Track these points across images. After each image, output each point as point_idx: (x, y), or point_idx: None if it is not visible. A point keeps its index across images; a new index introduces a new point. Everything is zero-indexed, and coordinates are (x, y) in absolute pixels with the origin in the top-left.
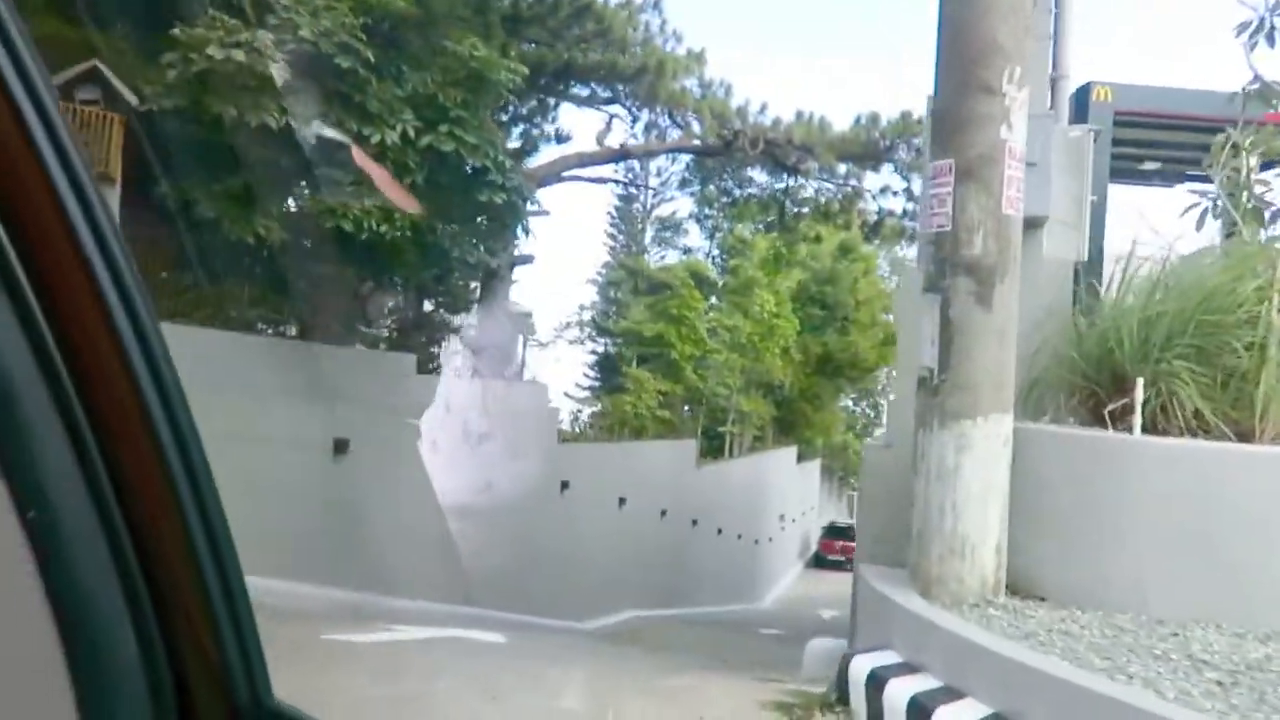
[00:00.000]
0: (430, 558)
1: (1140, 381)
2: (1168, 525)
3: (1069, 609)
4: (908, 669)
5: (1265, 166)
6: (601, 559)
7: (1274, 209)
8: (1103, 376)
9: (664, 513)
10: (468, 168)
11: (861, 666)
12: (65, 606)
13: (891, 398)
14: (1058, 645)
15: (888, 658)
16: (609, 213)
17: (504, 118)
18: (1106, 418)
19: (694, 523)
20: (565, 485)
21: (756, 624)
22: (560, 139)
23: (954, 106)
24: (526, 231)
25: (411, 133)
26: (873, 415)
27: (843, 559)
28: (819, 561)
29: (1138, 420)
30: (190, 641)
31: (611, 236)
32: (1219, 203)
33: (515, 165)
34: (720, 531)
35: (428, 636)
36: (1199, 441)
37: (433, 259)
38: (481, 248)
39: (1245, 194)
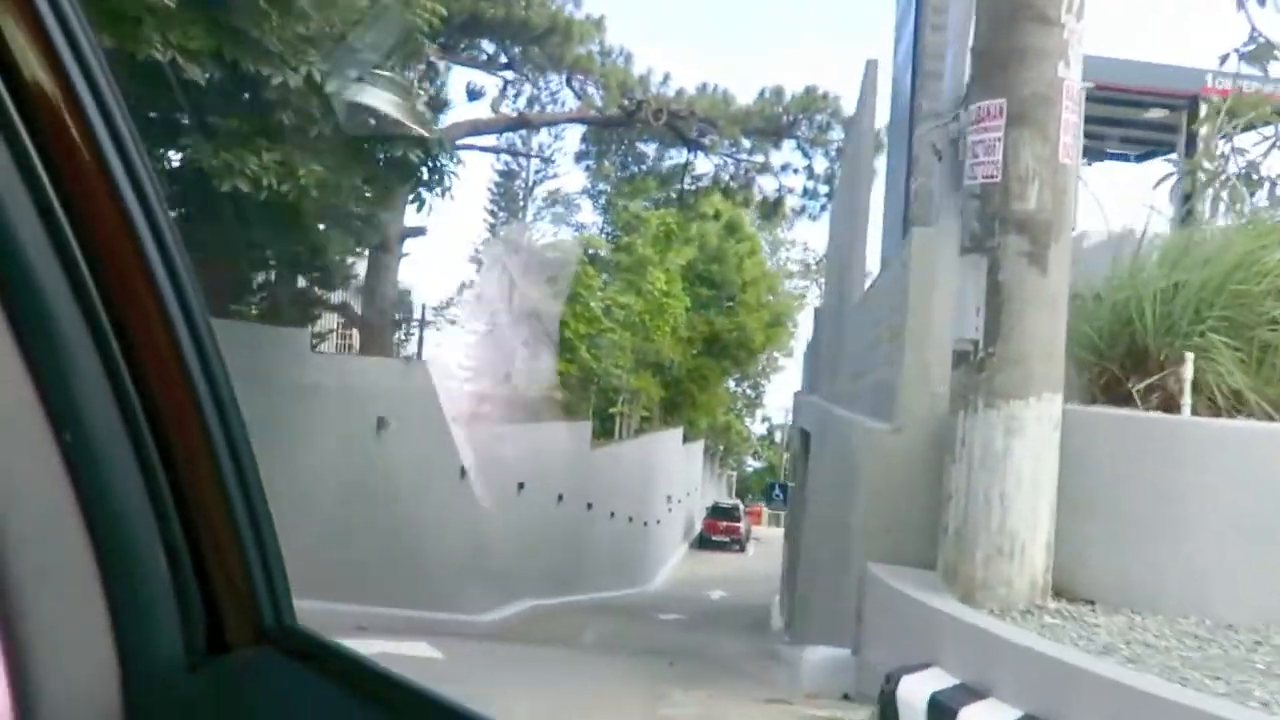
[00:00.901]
0: (329, 551)
1: (1190, 357)
2: (1230, 516)
3: (1126, 613)
4: (972, 694)
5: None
6: (500, 547)
7: (1271, 178)
8: (1117, 352)
9: (561, 497)
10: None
11: (915, 690)
12: (99, 526)
13: (904, 374)
14: (1152, 662)
15: (941, 678)
16: (490, 186)
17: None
18: (1135, 397)
19: (589, 506)
20: (464, 471)
21: (653, 609)
22: (474, 95)
23: (1002, 40)
24: (445, 194)
25: (318, 76)
26: (753, 396)
27: (727, 539)
28: (703, 542)
29: (1187, 399)
30: (219, 565)
31: (492, 213)
32: (1201, 175)
33: (434, 117)
34: (613, 515)
35: None
36: (1262, 423)
37: (336, 222)
38: (383, 212)
39: (1228, 163)
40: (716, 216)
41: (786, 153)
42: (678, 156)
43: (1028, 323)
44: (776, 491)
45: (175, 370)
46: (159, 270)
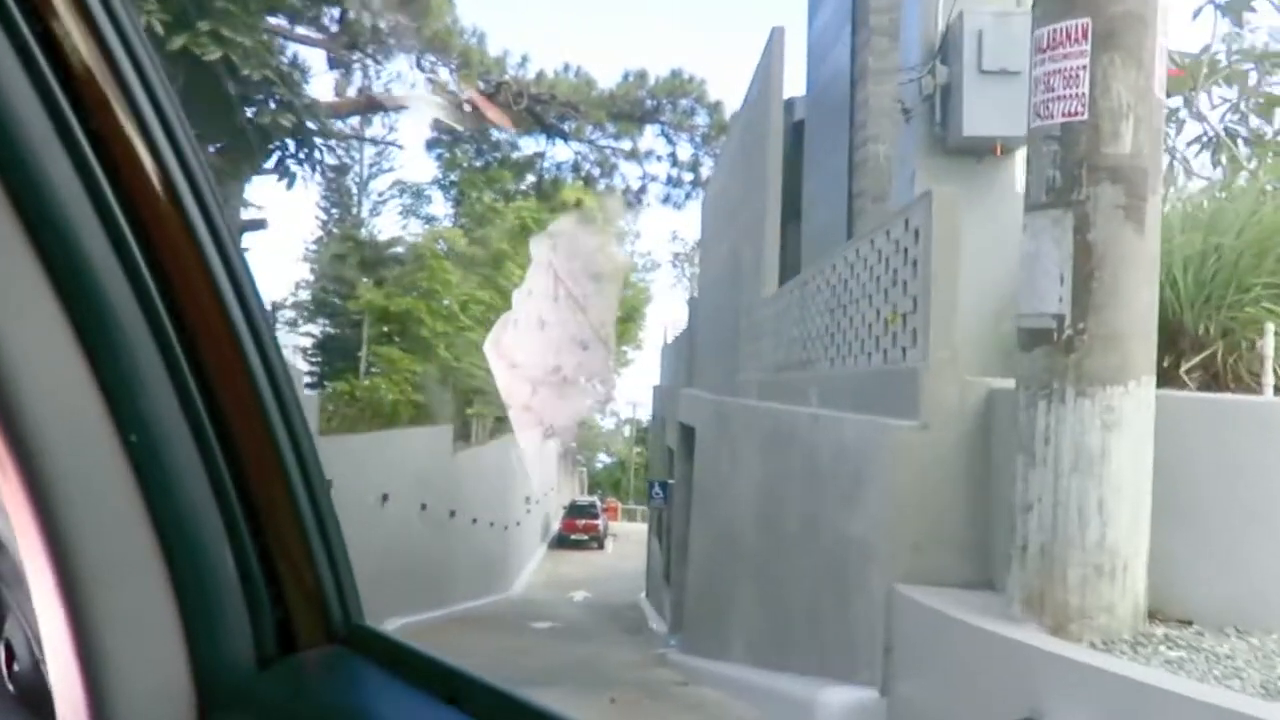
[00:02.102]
0: None
1: (1270, 328)
2: None
3: (1247, 636)
4: None
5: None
6: (365, 564)
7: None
8: None
9: (424, 506)
10: (239, 80)
11: None
12: (167, 528)
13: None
14: None
15: None
16: (326, 177)
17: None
18: (1184, 378)
19: (451, 514)
20: (330, 484)
21: (523, 617)
22: (335, 64)
23: None
24: (315, 168)
25: (159, 29)
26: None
27: (586, 537)
28: (562, 541)
29: (1270, 377)
30: (287, 566)
31: (326, 210)
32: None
33: (304, 78)
34: (475, 521)
35: None
36: None
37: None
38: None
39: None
40: (579, 205)
41: (650, 139)
42: (535, 144)
43: (1125, 291)
44: (656, 490)
45: (239, 372)
46: (220, 272)
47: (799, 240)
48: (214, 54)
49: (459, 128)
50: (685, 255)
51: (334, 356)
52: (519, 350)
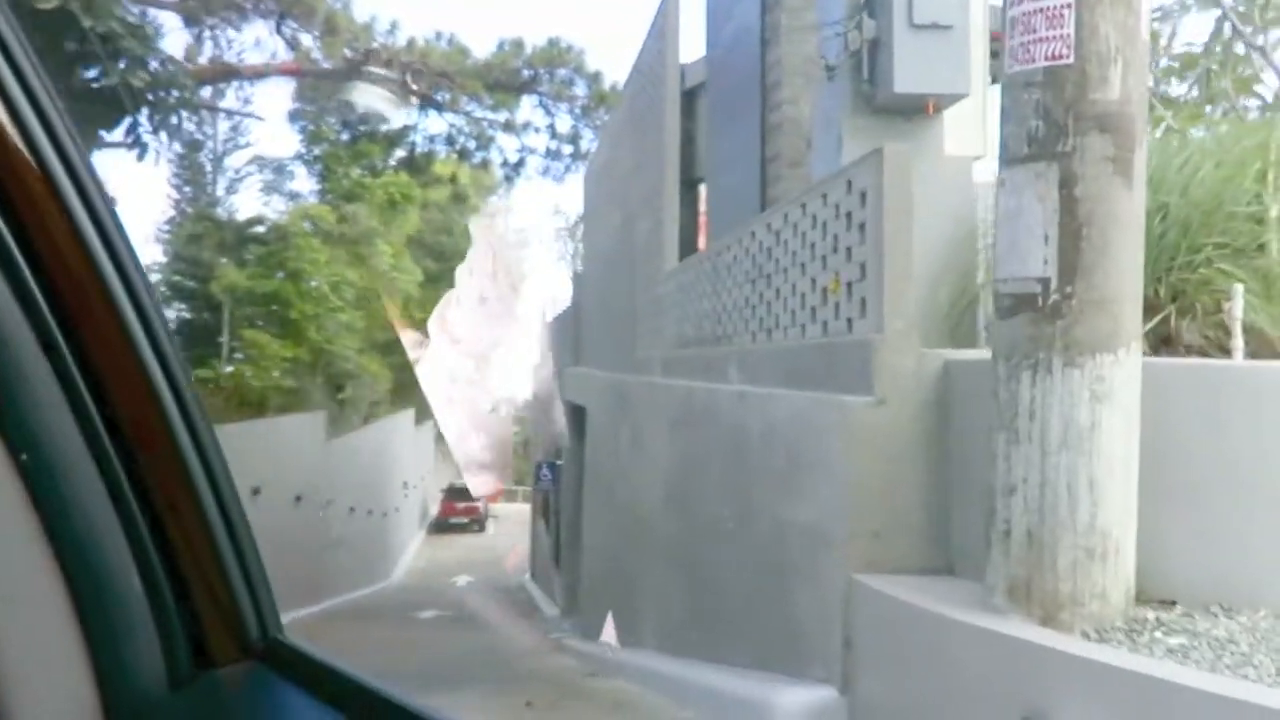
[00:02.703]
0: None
1: (1239, 289)
2: None
3: (1227, 614)
4: None
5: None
6: None
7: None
8: None
9: (299, 498)
10: (80, 34)
11: None
12: (66, 549)
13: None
14: None
15: None
16: (184, 147)
17: None
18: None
19: (328, 503)
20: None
21: (408, 606)
22: (192, 23)
23: None
24: (173, 137)
25: None
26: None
27: (466, 520)
28: (440, 525)
29: (1239, 340)
30: (199, 580)
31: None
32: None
33: (158, 34)
34: (352, 510)
35: None
36: None
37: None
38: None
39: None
40: (454, 179)
41: (528, 110)
42: (405, 116)
43: (1114, 251)
44: (545, 471)
45: (137, 382)
46: (113, 279)
47: (694, 211)
48: (49, 2)
49: (392, 114)
50: (568, 230)
51: (193, 343)
52: (461, 327)
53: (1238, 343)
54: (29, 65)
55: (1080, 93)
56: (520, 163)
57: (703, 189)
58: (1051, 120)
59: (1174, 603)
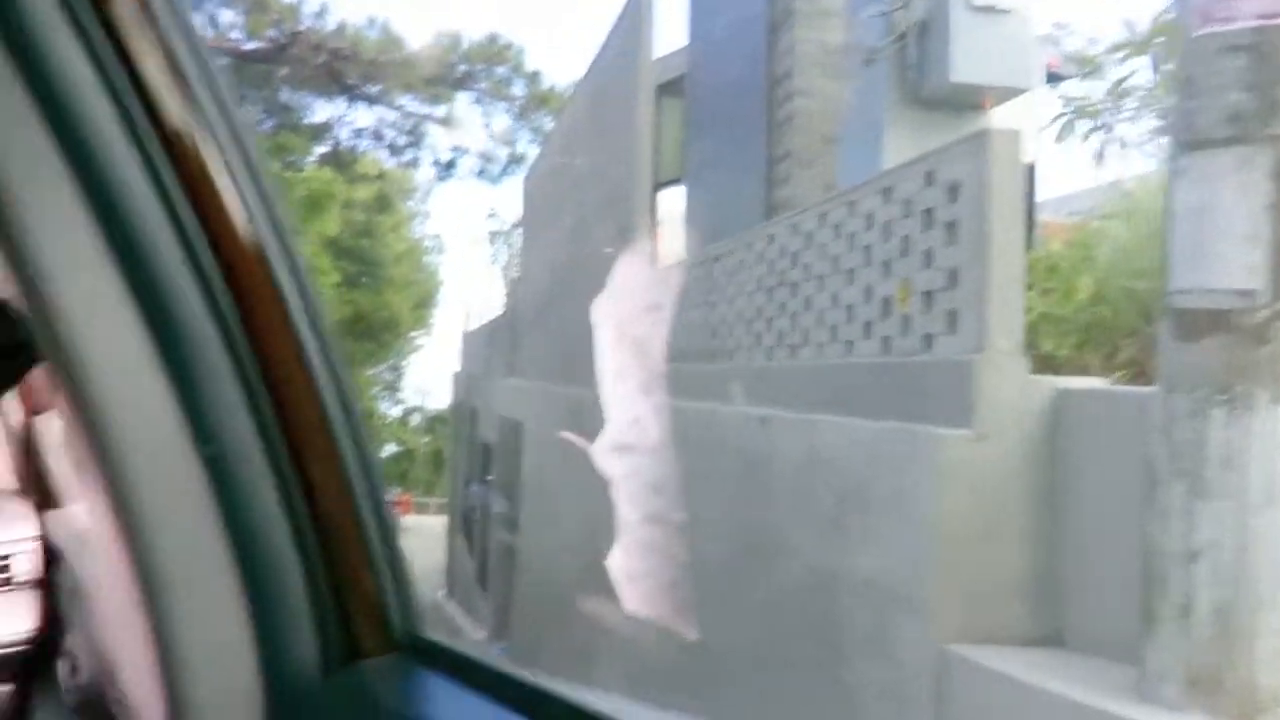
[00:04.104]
0: None
1: None
2: None
3: None
4: None
5: None
6: None
7: None
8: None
9: None
10: None
11: None
12: (239, 539)
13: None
14: None
15: None
16: None
17: None
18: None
19: None
20: None
21: None
22: None
23: None
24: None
25: None
26: (392, 379)
27: None
28: None
29: None
30: (351, 574)
31: None
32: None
33: None
34: None
35: None
36: None
37: None
38: None
39: None
40: (381, 177)
41: (464, 107)
42: (332, 108)
43: None
44: (474, 487)
45: (305, 384)
46: (286, 284)
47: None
48: None
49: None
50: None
51: None
52: None
53: None
54: (219, 76)
55: None
56: (452, 163)
57: (661, 194)
58: (1264, 93)
59: None
